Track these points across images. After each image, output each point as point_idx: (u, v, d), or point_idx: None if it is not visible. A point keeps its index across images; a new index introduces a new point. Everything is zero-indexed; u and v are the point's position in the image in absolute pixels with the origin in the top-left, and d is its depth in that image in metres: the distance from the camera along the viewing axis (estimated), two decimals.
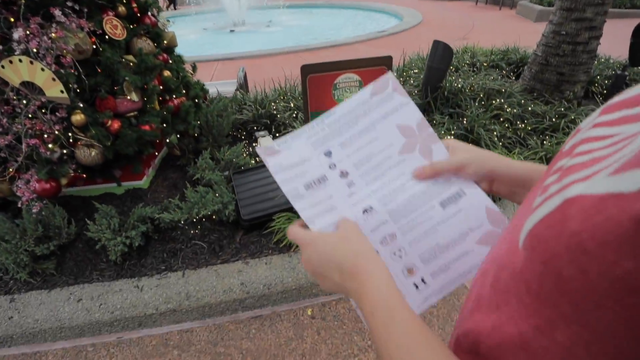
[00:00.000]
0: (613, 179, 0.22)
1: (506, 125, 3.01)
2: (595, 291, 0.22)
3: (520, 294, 0.29)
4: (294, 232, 0.52)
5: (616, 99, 0.31)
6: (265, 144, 2.43)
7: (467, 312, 0.41)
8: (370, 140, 0.57)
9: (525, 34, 7.39)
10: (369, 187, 0.55)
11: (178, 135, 2.48)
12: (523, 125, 2.97)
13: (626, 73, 3.58)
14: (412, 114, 0.58)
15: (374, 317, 0.40)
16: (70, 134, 1.81)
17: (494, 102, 3.18)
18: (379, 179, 0.55)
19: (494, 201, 0.53)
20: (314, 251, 0.48)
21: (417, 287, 0.51)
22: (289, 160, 0.57)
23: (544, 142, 2.85)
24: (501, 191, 0.54)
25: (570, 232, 0.23)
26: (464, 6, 12.10)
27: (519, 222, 0.33)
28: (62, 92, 1.68)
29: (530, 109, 3.17)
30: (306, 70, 2.00)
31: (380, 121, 0.58)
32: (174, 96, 2.33)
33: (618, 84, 3.60)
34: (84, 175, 2.02)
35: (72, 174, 1.94)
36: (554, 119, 3.04)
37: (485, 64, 4.19)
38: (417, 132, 0.57)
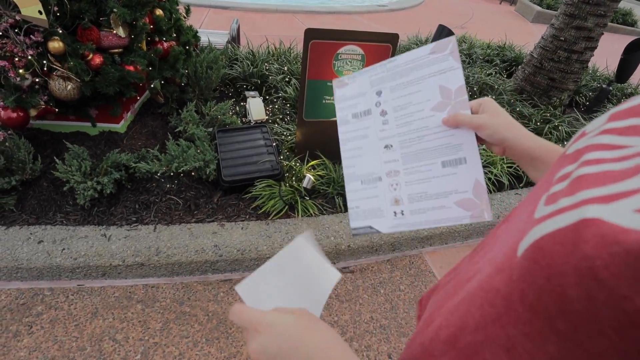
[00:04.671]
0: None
1: None
2: (597, 318, 0.22)
3: (512, 301, 0.29)
4: (242, 311, 0.44)
5: (624, 105, 0.31)
6: (255, 105, 2.31)
7: (450, 304, 0.41)
8: (414, 92, 0.66)
9: (520, 33, 7.43)
10: (398, 129, 0.66)
11: (162, 82, 2.32)
12: None
13: (610, 88, 3.69)
14: (457, 79, 0.63)
15: None
16: (45, 62, 1.64)
17: (485, 97, 3.19)
18: (407, 125, 0.65)
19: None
20: (276, 335, 0.41)
21: (395, 214, 0.64)
22: (350, 92, 0.71)
23: None
24: (512, 157, 0.60)
25: (583, 255, 0.23)
26: None
27: (520, 228, 0.33)
28: (40, 12, 1.50)
29: (518, 109, 3.22)
30: (310, 34, 1.90)
31: (427, 78, 0.65)
32: (164, 39, 2.15)
33: (601, 97, 3.71)
34: (56, 110, 1.86)
35: (43, 106, 1.78)
36: (538, 123, 3.11)
37: (481, 57, 4.18)
38: (453, 96, 0.63)
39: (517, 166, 2.70)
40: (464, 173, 0.60)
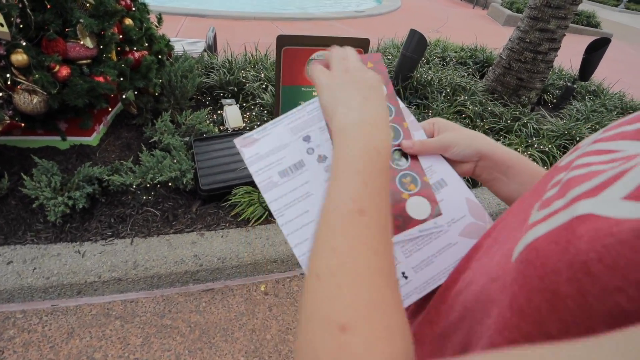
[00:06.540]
0: (630, 204, 0.21)
1: (467, 121, 3.12)
2: (589, 314, 0.21)
3: (502, 307, 0.28)
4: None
5: (618, 120, 0.31)
6: (231, 112, 2.28)
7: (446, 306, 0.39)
8: None
9: (492, 36, 7.66)
10: None
11: (136, 92, 2.29)
12: (482, 124, 3.10)
13: (575, 86, 3.85)
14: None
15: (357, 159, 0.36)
16: (8, 76, 1.59)
17: (458, 98, 3.27)
18: None
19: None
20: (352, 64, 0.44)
21: None
22: (266, 147, 0.53)
23: (499, 141, 2.99)
24: (483, 175, 0.54)
25: (577, 250, 0.22)
26: None
27: (512, 235, 0.32)
28: (1, 25, 1.46)
29: (489, 109, 3.31)
30: (282, 41, 1.91)
31: None
32: (135, 48, 2.12)
33: (567, 95, 3.87)
34: (23, 124, 1.80)
35: (8, 121, 1.72)
36: (509, 121, 3.20)
37: (454, 60, 4.28)
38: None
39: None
40: (451, 196, 0.50)
